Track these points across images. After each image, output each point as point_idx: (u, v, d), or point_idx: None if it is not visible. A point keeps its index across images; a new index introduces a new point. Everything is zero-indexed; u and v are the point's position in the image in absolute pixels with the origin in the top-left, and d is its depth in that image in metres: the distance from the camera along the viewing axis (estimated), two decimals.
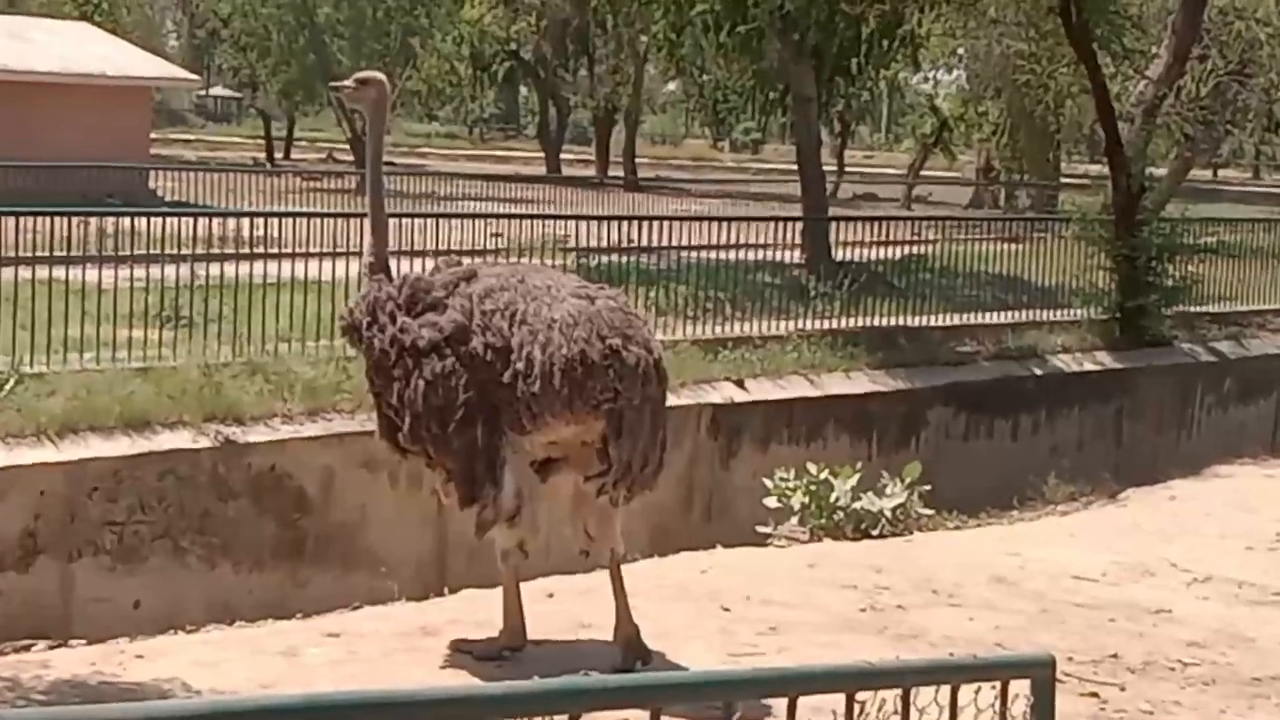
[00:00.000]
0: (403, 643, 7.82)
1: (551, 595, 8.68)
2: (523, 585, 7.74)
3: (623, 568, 7.55)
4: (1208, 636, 8.70)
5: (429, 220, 21.22)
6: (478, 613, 8.19)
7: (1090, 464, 16.65)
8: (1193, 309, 22.27)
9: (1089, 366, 20.28)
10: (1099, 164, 31.01)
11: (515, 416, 6.99)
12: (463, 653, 7.58)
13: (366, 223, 8.08)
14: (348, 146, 52.76)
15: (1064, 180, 45.67)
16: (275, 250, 18.37)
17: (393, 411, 7.34)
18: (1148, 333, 21.04)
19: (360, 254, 16.48)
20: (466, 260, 8.12)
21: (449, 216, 23.76)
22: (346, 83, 8.16)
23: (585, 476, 7.17)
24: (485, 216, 24.55)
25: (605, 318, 6.98)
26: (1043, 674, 4.26)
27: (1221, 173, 77.68)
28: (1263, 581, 10.10)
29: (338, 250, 17.30)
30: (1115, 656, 8.14)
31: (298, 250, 17.55)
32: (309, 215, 21.45)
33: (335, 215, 22.36)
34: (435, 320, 7.17)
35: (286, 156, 61.37)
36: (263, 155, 59.45)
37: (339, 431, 13.66)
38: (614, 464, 6.97)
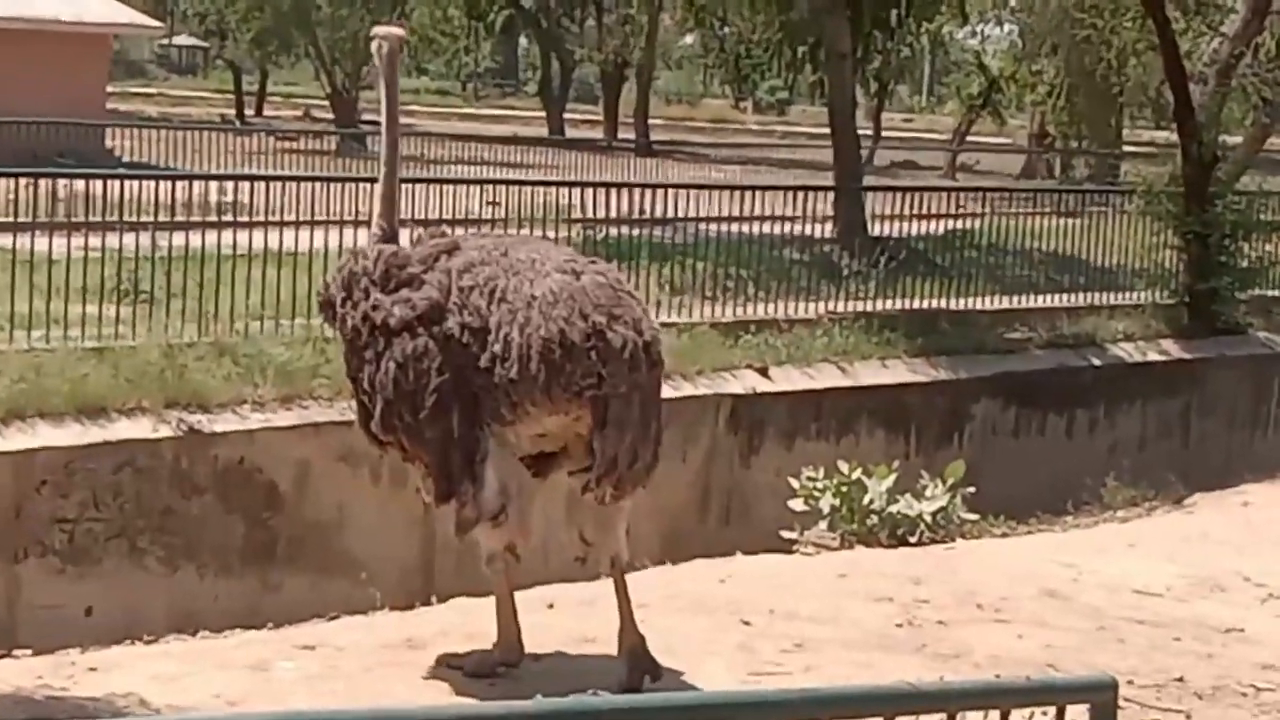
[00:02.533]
0: (385, 656, 7.83)
1: (551, 606, 8.69)
2: (520, 594, 7.75)
3: (630, 576, 7.52)
4: None
5: (417, 186, 21.20)
6: (469, 624, 8.20)
7: (1154, 465, 16.64)
8: (1270, 293, 22.24)
9: (1153, 356, 20.25)
10: (1166, 130, 30.97)
11: (494, 405, 6.98)
12: (452, 668, 7.59)
13: (377, 189, 8.07)
14: (327, 103, 52.84)
15: (1127, 148, 45.62)
16: (245, 218, 18.35)
17: (366, 397, 7.35)
18: (1219, 319, 21.02)
19: (340, 222, 16.49)
20: (457, 231, 8.11)
21: (439, 182, 23.77)
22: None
23: (569, 471, 7.17)
24: (480, 182, 24.58)
25: (590, 294, 6.95)
26: (1104, 698, 4.26)
27: None
28: None
29: (316, 218, 17.32)
30: (1181, 680, 8.14)
31: (271, 218, 17.55)
32: (284, 179, 21.40)
33: (313, 179, 22.33)
34: (409, 297, 7.18)
35: (258, 113, 61.32)
36: (232, 112, 59.45)
37: (315, 421, 13.68)
38: (597, 458, 6.95)
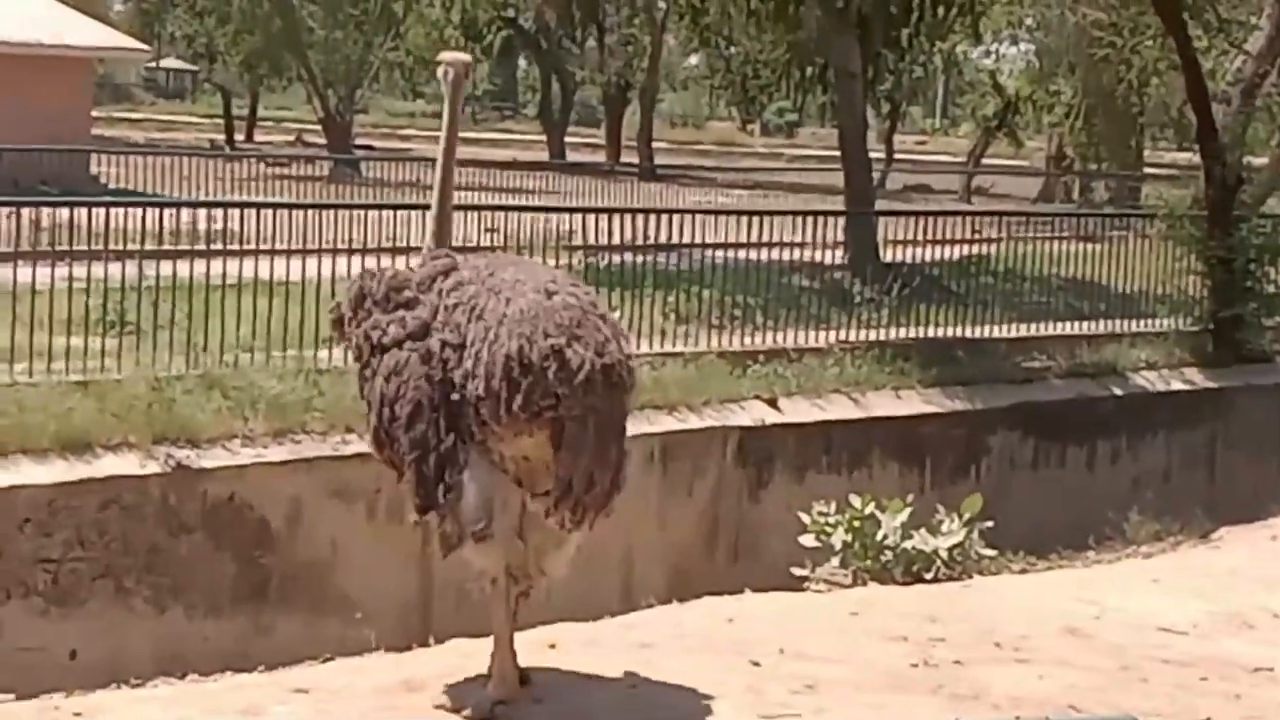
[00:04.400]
0: (381, 700, 7.82)
1: (553, 646, 8.68)
2: (520, 635, 7.75)
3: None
4: None
5: (412, 212, 21.23)
6: (469, 666, 8.18)
7: (1179, 498, 16.62)
8: None
9: (1177, 386, 20.24)
10: (1189, 152, 31.01)
11: (468, 421, 7.11)
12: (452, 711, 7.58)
13: (430, 213, 8.19)
14: (319, 127, 52.93)
15: (1148, 170, 45.70)
16: (235, 246, 18.42)
17: (366, 415, 7.52)
18: (1245, 346, 21.03)
19: (333, 250, 16.52)
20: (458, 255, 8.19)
21: None
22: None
23: (532, 495, 7.24)
24: (478, 208, 24.56)
25: (556, 315, 7.06)
26: None
27: None
28: None
29: (308, 247, 17.35)
30: None
31: (261, 247, 17.59)
32: (275, 206, 21.49)
33: (305, 206, 22.44)
34: (404, 317, 7.38)
35: (249, 138, 61.59)
36: (221, 137, 59.62)
37: (308, 456, 13.68)
38: (554, 481, 7.05)
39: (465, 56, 8.37)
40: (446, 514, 7.23)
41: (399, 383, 7.25)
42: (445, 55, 8.22)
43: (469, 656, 8.41)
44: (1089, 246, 24.49)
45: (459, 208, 24.60)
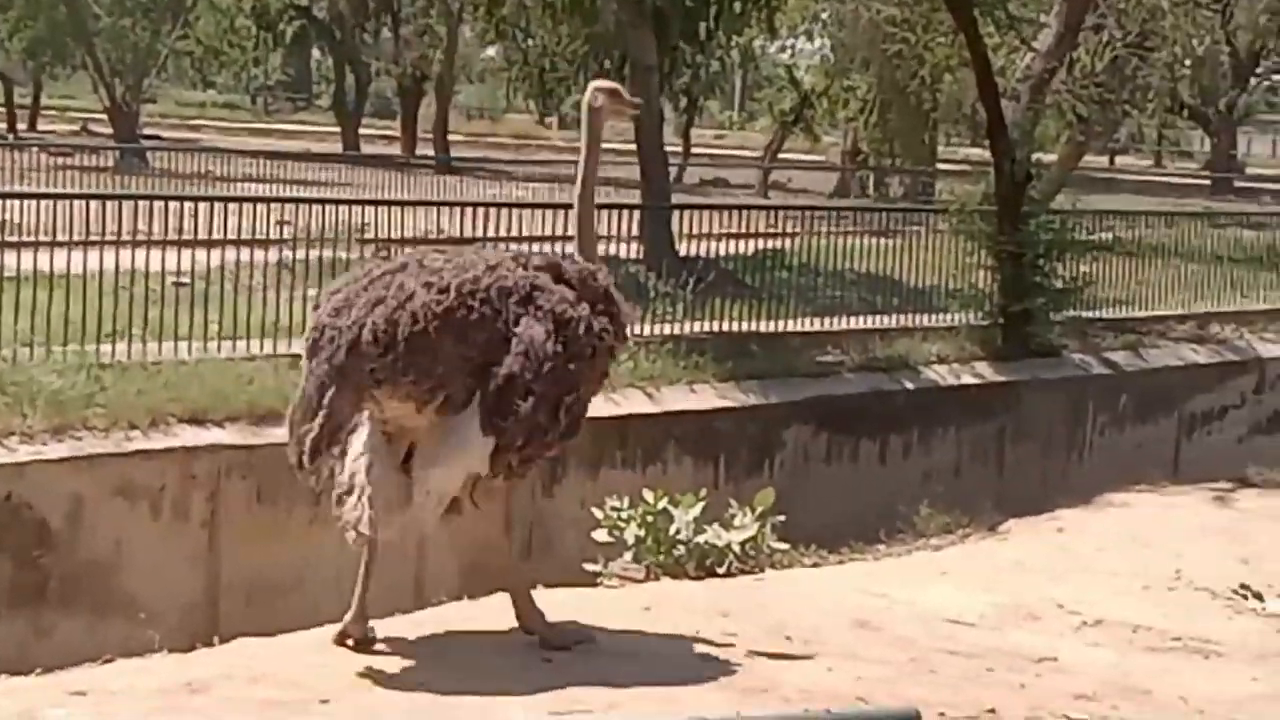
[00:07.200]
0: (163, 701, 7.70)
1: (345, 643, 8.60)
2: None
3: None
4: (1098, 688, 8.86)
5: (200, 204, 20.93)
6: (254, 666, 8.09)
7: (968, 491, 16.88)
8: (1085, 314, 22.68)
9: (967, 379, 20.56)
10: (980, 148, 31.59)
11: None
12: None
13: (573, 224, 9.26)
14: (105, 117, 52.02)
15: (941, 166, 46.46)
16: (15, 238, 18.03)
17: None
18: (1033, 341, 21.41)
19: (116, 242, 16.22)
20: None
21: (226, 200, 23.48)
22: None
23: None
24: (269, 200, 24.31)
25: (353, 286, 8.12)
26: None
27: (1119, 159, 79.50)
28: (1161, 626, 10.31)
29: (91, 239, 17.03)
30: (993, 711, 8.27)
31: (43, 238, 17.26)
32: (56, 197, 21.04)
33: (89, 197, 21.95)
34: None
35: (31, 128, 60.24)
36: (3, 125, 58.36)
37: (90, 453, 13.44)
38: None
39: (608, 84, 9.04)
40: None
41: None
42: (595, 83, 9.02)
43: (255, 656, 8.33)
44: (883, 241, 24.78)
45: (249, 200, 24.41)
